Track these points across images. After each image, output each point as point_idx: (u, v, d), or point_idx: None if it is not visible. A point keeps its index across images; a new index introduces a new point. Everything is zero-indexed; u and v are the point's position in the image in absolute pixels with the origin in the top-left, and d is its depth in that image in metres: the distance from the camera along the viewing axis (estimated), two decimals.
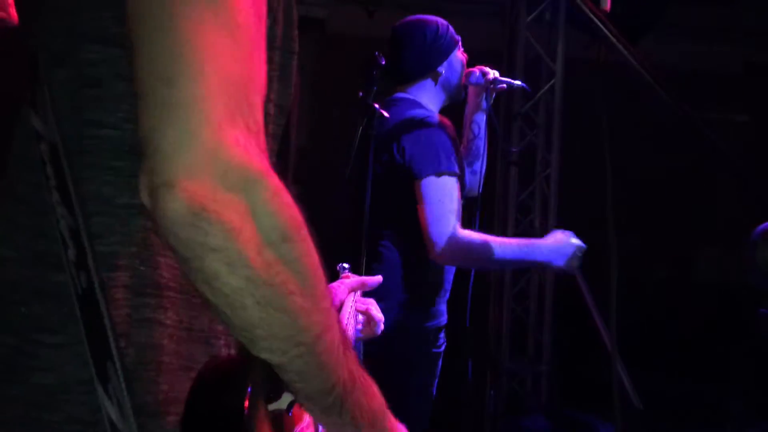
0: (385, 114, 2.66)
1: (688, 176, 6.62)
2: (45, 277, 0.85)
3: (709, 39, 6.46)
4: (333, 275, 2.01)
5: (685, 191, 6.75)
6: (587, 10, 1.30)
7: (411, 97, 2.89)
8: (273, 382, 0.84)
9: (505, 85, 3.03)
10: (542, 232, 5.56)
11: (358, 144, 2.59)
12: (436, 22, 2.98)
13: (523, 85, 3.16)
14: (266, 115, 0.94)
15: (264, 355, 0.79)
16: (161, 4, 0.76)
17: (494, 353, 5.51)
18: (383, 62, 2.63)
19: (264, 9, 0.85)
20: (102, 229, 0.85)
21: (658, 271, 6.85)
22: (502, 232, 5.64)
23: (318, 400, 0.85)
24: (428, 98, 2.89)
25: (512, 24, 5.69)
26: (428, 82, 2.90)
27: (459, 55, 2.96)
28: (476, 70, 2.99)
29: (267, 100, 0.94)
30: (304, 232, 0.80)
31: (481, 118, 3.03)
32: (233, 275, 0.74)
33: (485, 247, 2.66)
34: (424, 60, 2.91)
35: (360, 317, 1.71)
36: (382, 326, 1.74)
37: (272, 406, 0.88)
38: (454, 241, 2.60)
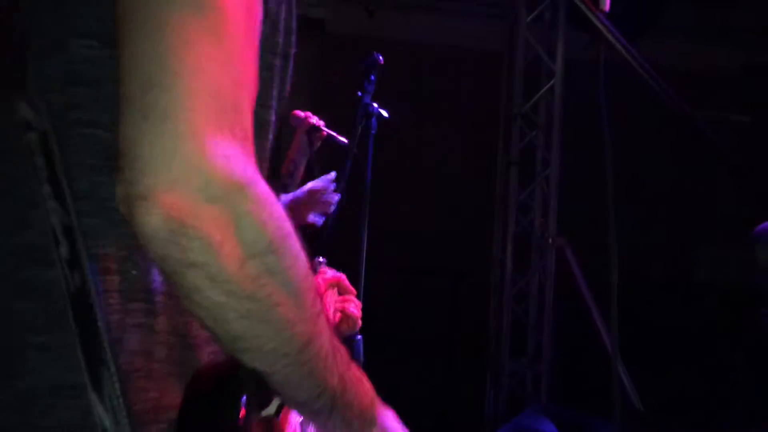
0: (384, 114, 2.68)
1: (688, 176, 6.62)
2: (33, 273, 0.83)
3: (709, 39, 6.46)
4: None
5: (685, 191, 6.76)
6: (587, 11, 1.30)
7: None
8: (265, 389, 0.83)
9: (324, 134, 3.05)
10: (542, 232, 5.58)
11: (358, 142, 2.61)
12: None
13: (347, 142, 3.10)
14: (267, 123, 0.94)
15: (251, 365, 0.78)
16: (148, 9, 0.74)
17: (494, 353, 5.51)
18: (382, 62, 2.65)
19: (258, 16, 0.82)
20: (94, 231, 0.82)
21: (658, 271, 6.85)
22: (502, 232, 5.64)
23: (307, 406, 0.84)
24: None
25: (512, 24, 5.69)
26: None
27: None
28: (299, 113, 3.05)
29: (268, 107, 0.94)
30: (291, 242, 0.78)
31: (301, 161, 3.07)
32: (214, 290, 0.73)
33: None
34: None
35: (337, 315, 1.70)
36: (359, 323, 1.72)
37: (263, 413, 0.87)
38: None
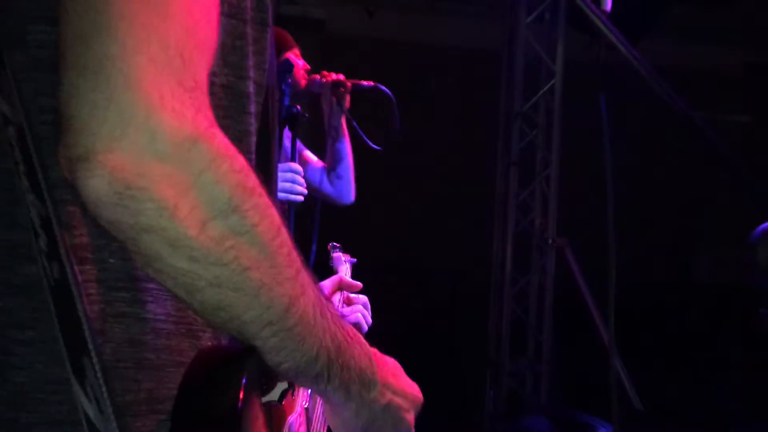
0: (306, 115, 2.72)
1: (688, 176, 6.62)
2: (16, 269, 0.80)
3: (709, 39, 6.46)
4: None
5: (685, 191, 6.76)
6: (587, 11, 1.30)
7: None
8: (267, 374, 0.80)
9: (350, 85, 3.03)
10: (542, 232, 5.58)
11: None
12: None
13: (374, 85, 3.09)
14: (245, 94, 0.88)
15: (238, 337, 0.74)
16: None
17: (494, 353, 5.51)
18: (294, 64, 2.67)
19: None
20: (71, 219, 0.79)
21: (658, 271, 6.85)
22: (502, 232, 5.65)
23: (304, 373, 0.80)
24: None
25: (512, 24, 5.69)
26: None
27: (291, 57, 2.95)
28: (316, 77, 3.03)
29: (245, 78, 0.88)
30: (257, 197, 0.72)
31: (338, 122, 3.05)
32: (176, 256, 0.67)
33: None
34: None
35: None
36: (365, 330, 1.63)
37: (265, 398, 0.84)
38: None
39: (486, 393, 5.51)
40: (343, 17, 6.28)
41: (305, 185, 2.59)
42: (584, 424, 4.50)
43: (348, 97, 3.04)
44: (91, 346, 0.71)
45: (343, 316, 1.60)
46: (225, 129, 0.73)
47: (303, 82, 3.00)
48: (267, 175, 0.95)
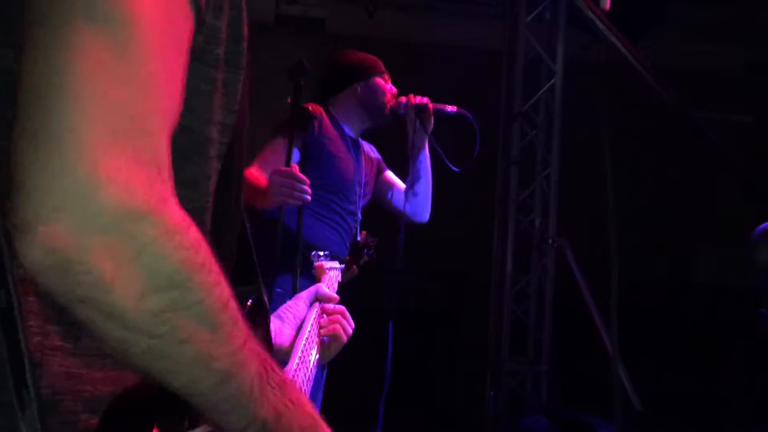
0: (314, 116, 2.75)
1: (688, 177, 6.62)
2: None
3: (709, 39, 6.46)
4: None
5: (685, 191, 6.75)
6: (587, 10, 1.30)
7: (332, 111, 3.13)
8: (191, 410, 0.80)
9: (431, 108, 3.23)
10: (542, 232, 5.58)
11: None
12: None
13: (458, 111, 3.33)
14: (208, 139, 0.87)
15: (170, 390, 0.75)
16: (49, 19, 0.67)
17: (494, 353, 5.51)
18: (307, 68, 2.71)
19: (184, 29, 0.76)
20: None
21: (658, 271, 6.85)
22: (502, 232, 5.64)
23: None
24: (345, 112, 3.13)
25: (512, 24, 5.68)
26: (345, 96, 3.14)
27: (380, 82, 3.16)
28: (402, 100, 3.19)
29: (209, 123, 0.87)
30: (206, 273, 0.71)
31: (421, 143, 3.24)
32: (110, 325, 0.67)
33: None
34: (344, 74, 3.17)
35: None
36: (344, 342, 1.62)
37: None
38: None
39: (486, 393, 5.50)
40: (343, 17, 6.27)
41: (309, 183, 2.59)
42: (584, 424, 4.50)
43: (432, 120, 3.24)
44: (29, 381, 0.70)
45: (321, 327, 1.59)
46: (180, 171, 0.73)
47: (388, 105, 3.16)
48: (228, 214, 0.96)
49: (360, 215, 3.09)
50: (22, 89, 0.67)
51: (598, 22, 1.30)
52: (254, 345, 0.79)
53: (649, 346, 5.72)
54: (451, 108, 3.29)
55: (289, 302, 1.63)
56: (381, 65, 3.21)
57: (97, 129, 0.65)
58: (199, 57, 0.82)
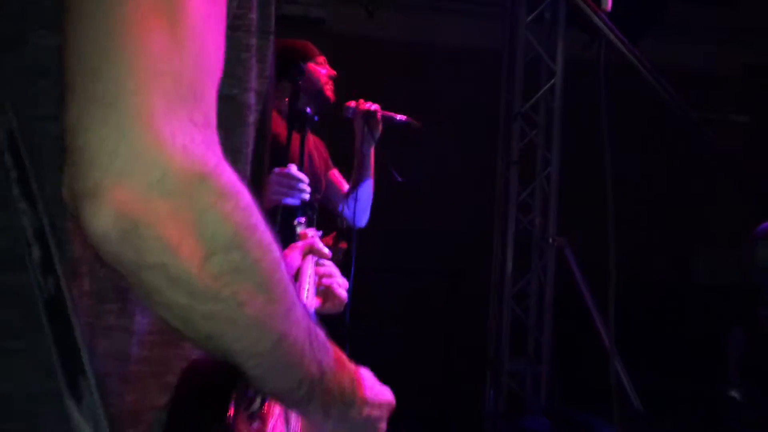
0: (315, 118, 2.77)
1: (688, 176, 6.62)
2: (3, 278, 0.78)
3: (709, 39, 6.46)
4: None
5: (685, 191, 6.76)
6: (587, 10, 1.30)
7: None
8: (252, 386, 0.82)
9: (380, 117, 3.17)
10: (542, 232, 5.58)
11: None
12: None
13: (407, 120, 3.25)
14: (247, 107, 0.89)
15: (226, 360, 0.75)
16: None
17: (494, 353, 5.51)
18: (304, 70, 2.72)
19: None
20: (66, 234, 0.77)
21: (658, 271, 6.85)
22: (502, 232, 5.65)
23: (286, 397, 0.82)
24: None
25: (512, 24, 5.69)
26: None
27: (313, 67, 3.12)
28: (351, 104, 3.17)
29: (248, 89, 0.89)
30: (260, 233, 0.72)
31: (367, 149, 3.21)
32: (175, 291, 0.68)
33: None
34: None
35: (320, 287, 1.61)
36: (345, 300, 1.65)
37: (250, 409, 0.86)
38: None
39: (486, 393, 5.51)
40: (343, 17, 6.27)
41: (307, 182, 2.61)
42: (584, 424, 4.51)
43: (380, 127, 3.18)
44: (87, 367, 0.71)
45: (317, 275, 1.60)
46: (223, 140, 0.73)
47: (327, 88, 3.11)
48: (259, 182, 0.97)
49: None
50: (76, 58, 0.67)
51: (598, 22, 1.30)
52: (301, 304, 0.80)
53: (649, 346, 5.72)
54: (400, 117, 3.25)
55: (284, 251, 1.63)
56: (313, 49, 3.19)
57: (157, 93, 0.66)
58: (236, 24, 0.83)
